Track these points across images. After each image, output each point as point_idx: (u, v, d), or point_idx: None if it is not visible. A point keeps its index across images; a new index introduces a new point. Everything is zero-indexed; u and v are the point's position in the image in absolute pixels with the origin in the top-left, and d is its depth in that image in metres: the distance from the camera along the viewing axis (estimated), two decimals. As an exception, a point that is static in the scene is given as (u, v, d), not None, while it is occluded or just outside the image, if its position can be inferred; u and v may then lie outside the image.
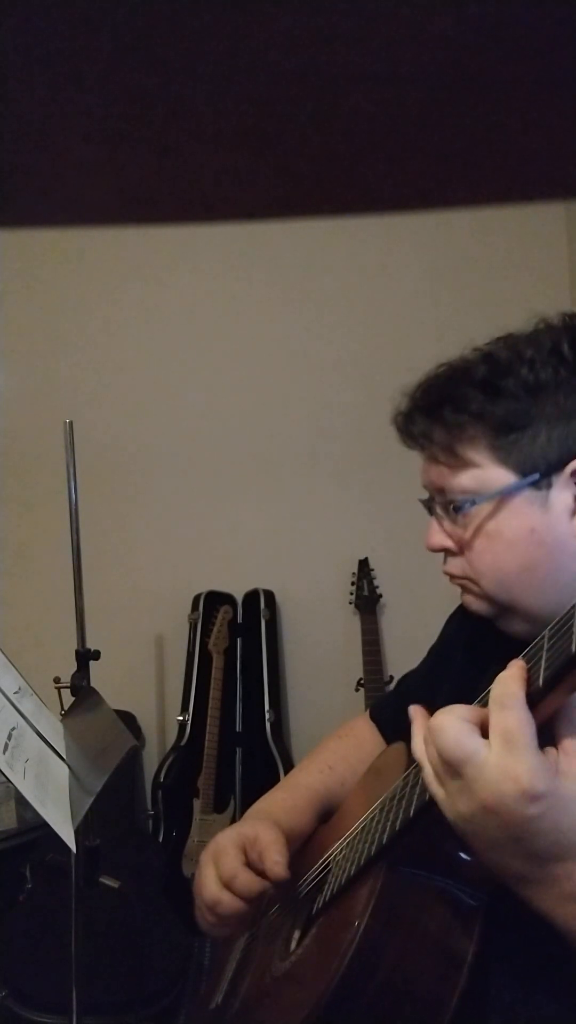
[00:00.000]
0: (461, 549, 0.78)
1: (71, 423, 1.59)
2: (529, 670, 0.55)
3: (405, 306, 2.54)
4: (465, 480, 0.75)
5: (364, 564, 2.49)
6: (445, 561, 0.81)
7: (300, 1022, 0.67)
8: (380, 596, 2.48)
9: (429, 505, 0.82)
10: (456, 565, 0.79)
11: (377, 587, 2.48)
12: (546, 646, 0.54)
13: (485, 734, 0.55)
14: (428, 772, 0.59)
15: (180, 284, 2.58)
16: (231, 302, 2.58)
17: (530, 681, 0.54)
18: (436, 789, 0.58)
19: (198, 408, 2.57)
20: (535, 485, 0.72)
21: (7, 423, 2.54)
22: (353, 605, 2.48)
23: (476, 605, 0.80)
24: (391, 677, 2.39)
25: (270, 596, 2.54)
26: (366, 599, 2.46)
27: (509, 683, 0.54)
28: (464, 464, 0.75)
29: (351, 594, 2.48)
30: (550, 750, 0.55)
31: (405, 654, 2.25)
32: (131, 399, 2.56)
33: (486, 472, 0.74)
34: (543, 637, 0.55)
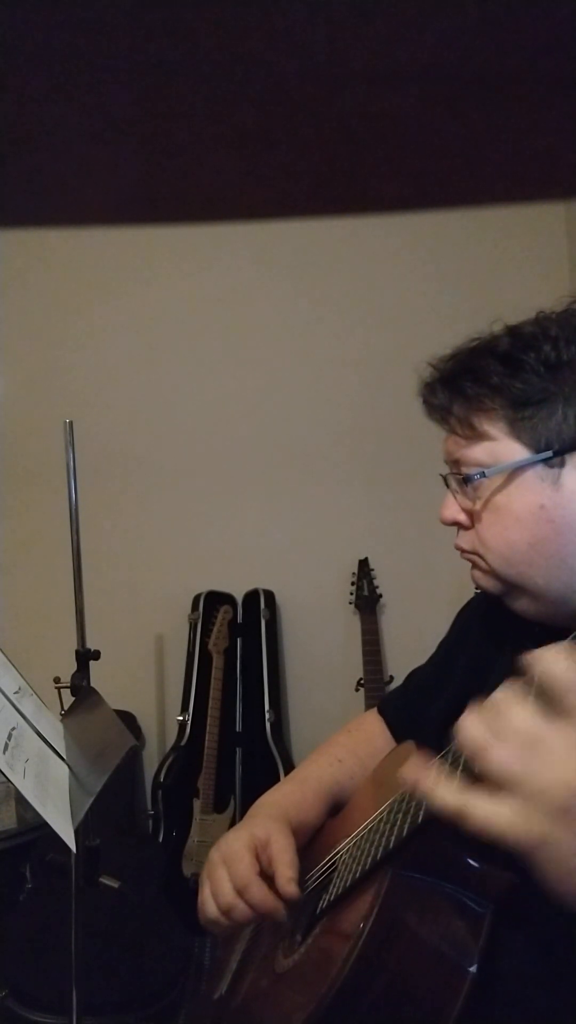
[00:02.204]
0: (472, 523, 0.79)
1: (71, 423, 1.59)
2: None
3: (405, 306, 2.54)
4: (479, 452, 0.76)
5: (364, 564, 2.49)
6: (457, 533, 0.82)
7: (301, 1022, 0.67)
8: (380, 596, 2.48)
9: (447, 479, 0.82)
10: (466, 539, 0.80)
11: (377, 587, 2.48)
12: None
13: None
14: (486, 808, 0.51)
15: (180, 284, 2.58)
16: (231, 302, 2.58)
17: None
18: (503, 820, 0.50)
19: (198, 408, 2.57)
20: (547, 462, 0.73)
21: (7, 423, 2.54)
22: (353, 605, 2.48)
23: (483, 581, 0.80)
24: (391, 677, 2.40)
25: (270, 596, 2.54)
26: (366, 599, 2.46)
27: None
28: (479, 436, 0.76)
29: (351, 594, 2.48)
30: None
31: (405, 654, 2.25)
32: (131, 399, 2.56)
33: (500, 446, 0.74)
34: None
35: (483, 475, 0.75)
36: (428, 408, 0.83)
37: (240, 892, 0.81)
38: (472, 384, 0.75)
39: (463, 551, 0.81)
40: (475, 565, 0.81)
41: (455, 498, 0.80)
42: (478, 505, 0.77)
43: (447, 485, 0.82)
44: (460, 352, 0.80)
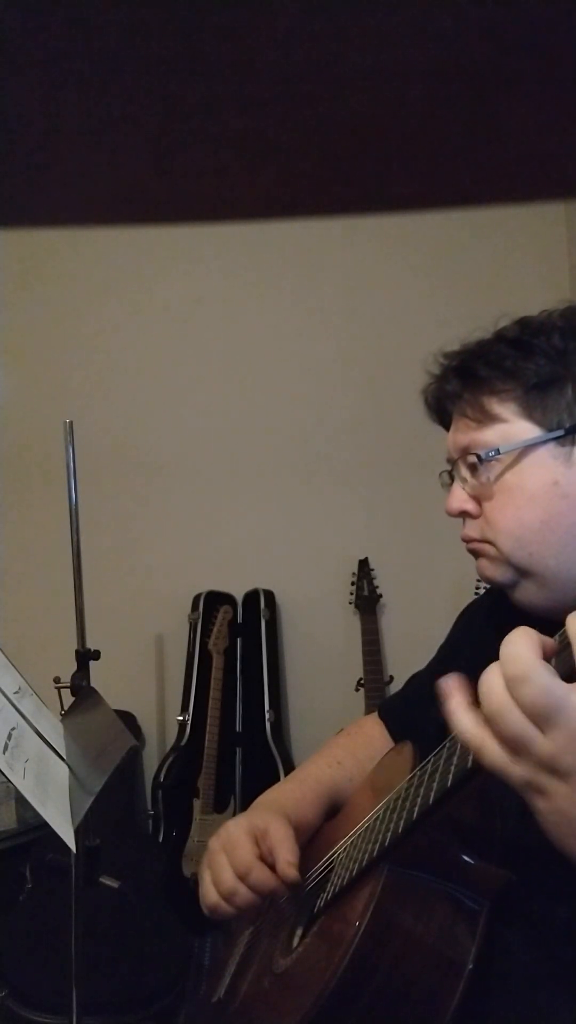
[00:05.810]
0: (480, 510, 0.80)
1: (71, 423, 1.59)
2: None
3: (405, 307, 2.54)
4: (490, 435, 0.77)
5: (364, 564, 2.49)
6: (464, 524, 0.82)
7: (297, 1023, 0.67)
8: (380, 596, 2.48)
9: (450, 472, 0.83)
10: (475, 528, 0.81)
11: (377, 587, 2.48)
12: None
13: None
14: (492, 749, 0.50)
15: (180, 284, 2.58)
16: (230, 302, 2.58)
17: None
18: (503, 762, 0.50)
19: (198, 408, 2.57)
20: (559, 440, 0.74)
21: (7, 423, 2.54)
22: (353, 605, 2.48)
23: (491, 571, 0.80)
24: (391, 677, 2.40)
25: (270, 596, 2.54)
26: (366, 599, 2.46)
27: None
28: (491, 419, 0.77)
29: (351, 594, 2.48)
30: None
31: (405, 654, 2.25)
32: (131, 399, 2.56)
33: (512, 427, 0.76)
34: None
35: (498, 452, 0.76)
36: (435, 404, 0.84)
37: (242, 876, 0.81)
38: (485, 367, 0.77)
39: (471, 540, 0.81)
40: (482, 554, 0.80)
41: (462, 488, 0.81)
42: (491, 487, 0.77)
43: (451, 478, 0.83)
44: (468, 345, 0.82)
